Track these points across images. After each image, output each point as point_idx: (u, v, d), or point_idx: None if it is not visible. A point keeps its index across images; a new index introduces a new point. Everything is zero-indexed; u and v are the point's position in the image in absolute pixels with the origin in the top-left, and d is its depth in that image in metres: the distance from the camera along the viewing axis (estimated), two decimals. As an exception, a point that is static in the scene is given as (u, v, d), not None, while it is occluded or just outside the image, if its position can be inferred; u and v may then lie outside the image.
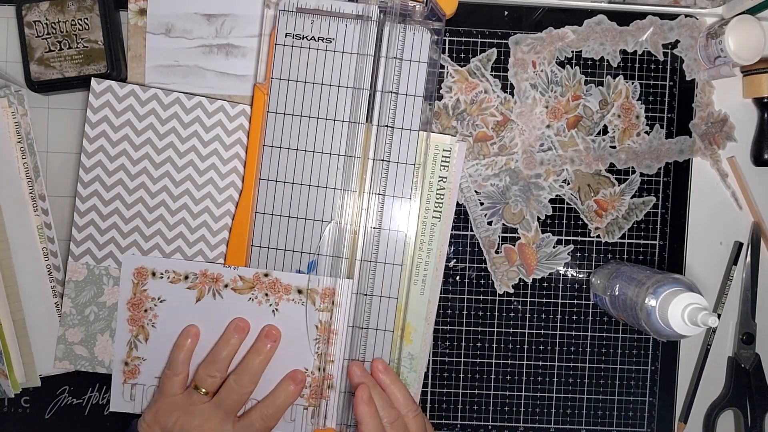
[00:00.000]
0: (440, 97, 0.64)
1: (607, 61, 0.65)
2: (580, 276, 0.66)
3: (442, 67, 0.64)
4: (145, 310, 0.61)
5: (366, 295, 0.61)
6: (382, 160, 0.61)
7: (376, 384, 0.59)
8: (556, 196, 0.65)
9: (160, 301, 0.61)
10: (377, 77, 0.61)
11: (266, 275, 0.60)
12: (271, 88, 0.61)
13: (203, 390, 0.58)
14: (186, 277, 0.61)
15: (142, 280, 0.61)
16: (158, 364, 0.61)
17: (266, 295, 0.60)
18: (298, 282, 0.60)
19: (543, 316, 0.66)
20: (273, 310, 0.60)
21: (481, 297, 0.65)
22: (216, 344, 0.60)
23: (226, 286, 0.60)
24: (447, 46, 0.64)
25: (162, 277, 0.61)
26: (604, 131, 0.65)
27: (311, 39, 0.61)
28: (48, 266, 0.62)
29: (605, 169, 0.65)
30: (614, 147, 0.65)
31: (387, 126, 0.60)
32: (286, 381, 0.60)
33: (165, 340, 0.61)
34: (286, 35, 0.61)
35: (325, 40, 0.61)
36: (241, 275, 0.60)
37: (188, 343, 0.60)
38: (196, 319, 0.61)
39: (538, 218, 0.65)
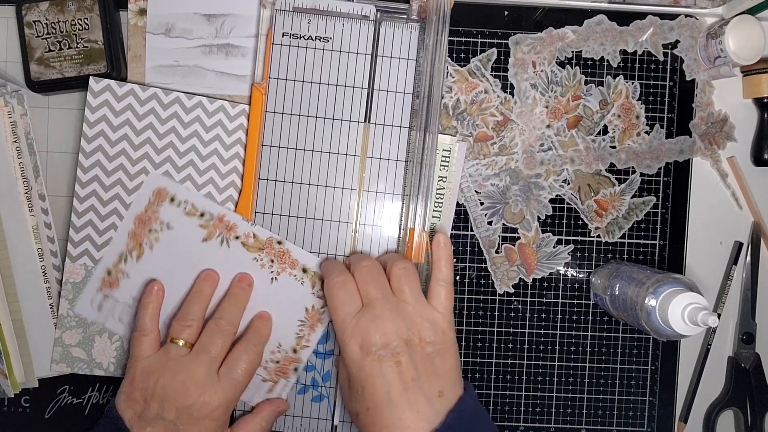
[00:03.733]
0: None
1: (607, 61, 0.65)
2: (580, 276, 0.66)
3: (442, 67, 0.64)
4: (150, 230, 0.60)
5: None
6: (380, 158, 0.61)
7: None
8: (556, 196, 0.65)
9: (168, 228, 0.60)
10: (374, 76, 0.61)
11: (279, 243, 0.60)
12: (268, 88, 0.61)
13: (181, 341, 0.55)
14: (202, 215, 0.60)
15: (159, 201, 0.60)
16: (138, 287, 0.60)
17: (272, 261, 0.60)
18: (306, 261, 0.60)
19: (543, 316, 0.66)
20: (272, 278, 0.60)
21: (481, 297, 0.65)
22: (187, 296, 0.58)
23: (237, 237, 0.60)
24: (447, 46, 0.64)
25: (179, 206, 0.60)
26: (604, 131, 0.65)
27: (308, 38, 0.61)
28: (43, 266, 0.62)
29: (605, 169, 0.65)
30: (614, 147, 0.65)
31: (384, 124, 0.61)
32: (257, 320, 0.59)
33: (155, 267, 0.60)
34: (282, 35, 0.61)
35: (322, 40, 0.61)
36: (255, 233, 0.60)
37: (153, 300, 0.58)
38: (193, 259, 0.60)
39: (538, 218, 0.65)
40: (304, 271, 0.60)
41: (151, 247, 0.60)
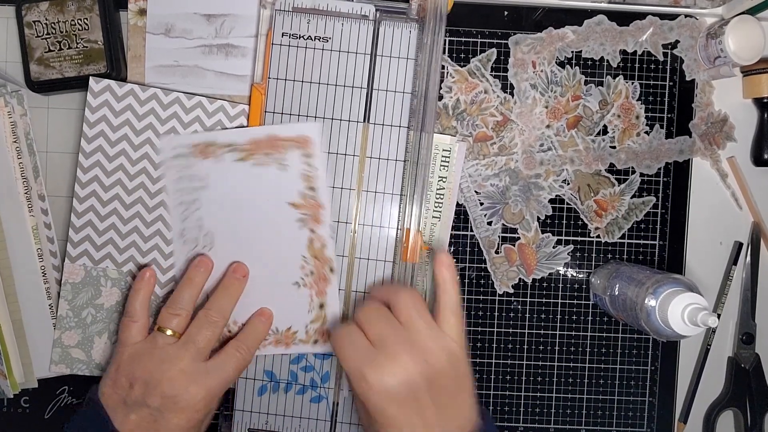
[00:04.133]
0: (440, 97, 0.64)
1: (607, 61, 0.65)
2: (580, 276, 0.66)
3: (442, 66, 0.64)
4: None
5: (364, 293, 0.61)
6: (380, 158, 0.61)
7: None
8: (556, 196, 0.65)
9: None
10: (374, 76, 0.61)
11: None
12: (268, 88, 0.61)
13: (169, 330, 0.54)
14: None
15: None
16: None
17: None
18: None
19: (543, 316, 0.66)
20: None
21: (481, 297, 0.65)
22: (178, 284, 0.58)
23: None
24: (447, 46, 0.64)
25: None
26: (604, 131, 0.65)
27: (308, 38, 0.61)
28: (42, 267, 0.62)
29: (605, 169, 0.65)
30: (614, 147, 0.65)
31: (384, 124, 0.60)
32: (255, 318, 0.59)
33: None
34: (282, 35, 0.61)
35: (321, 39, 0.61)
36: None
37: (145, 286, 0.57)
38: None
39: (538, 218, 0.65)
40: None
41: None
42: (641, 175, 0.65)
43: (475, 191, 0.65)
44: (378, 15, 0.60)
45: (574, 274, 0.66)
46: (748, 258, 0.66)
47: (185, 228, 0.60)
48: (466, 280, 0.65)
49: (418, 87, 0.59)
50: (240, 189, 0.59)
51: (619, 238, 0.66)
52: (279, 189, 0.59)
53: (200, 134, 0.60)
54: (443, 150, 0.62)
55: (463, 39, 0.64)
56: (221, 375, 0.54)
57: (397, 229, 0.61)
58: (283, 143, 0.59)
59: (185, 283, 0.57)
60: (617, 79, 0.65)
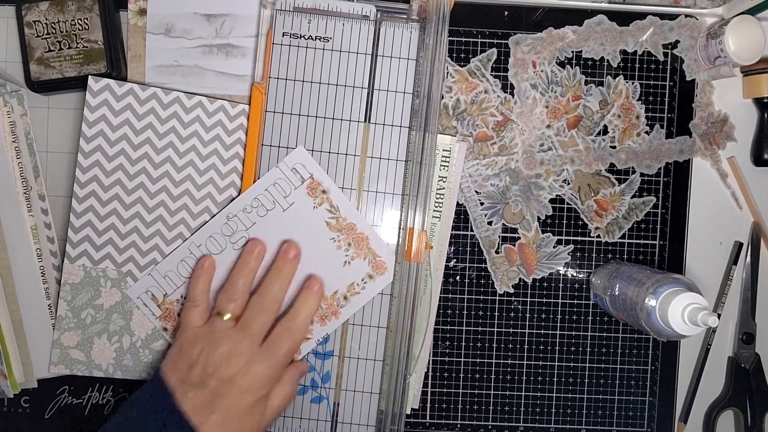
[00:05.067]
0: (440, 97, 0.64)
1: (607, 61, 0.65)
2: (580, 276, 0.66)
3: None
4: (178, 314, 0.61)
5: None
6: (380, 158, 0.61)
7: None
8: (556, 196, 0.65)
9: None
10: (375, 76, 0.61)
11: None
12: (268, 88, 0.61)
13: (226, 315, 0.57)
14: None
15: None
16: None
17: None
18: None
19: (543, 316, 0.66)
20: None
21: (481, 297, 0.65)
22: (233, 270, 0.59)
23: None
24: (447, 46, 0.64)
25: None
26: (604, 131, 0.65)
27: (308, 38, 0.61)
28: (42, 267, 0.61)
29: (605, 169, 0.65)
30: (614, 147, 0.65)
31: (384, 124, 0.60)
32: (305, 292, 0.59)
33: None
34: (283, 35, 0.61)
35: (322, 39, 0.61)
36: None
37: (205, 273, 0.59)
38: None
39: (538, 218, 0.65)
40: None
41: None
42: (641, 175, 0.65)
43: (476, 191, 0.65)
44: (379, 15, 0.60)
45: (575, 274, 0.66)
46: (748, 258, 0.66)
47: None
48: (467, 280, 0.65)
49: (421, 87, 0.59)
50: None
51: (620, 238, 0.66)
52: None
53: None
54: (443, 150, 0.62)
55: (463, 39, 0.64)
56: (273, 358, 0.56)
57: (399, 228, 0.61)
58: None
59: (239, 268, 0.59)
60: (617, 79, 0.65)
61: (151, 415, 0.53)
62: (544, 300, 0.66)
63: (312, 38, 0.61)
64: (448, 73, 0.64)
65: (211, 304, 0.59)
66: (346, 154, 0.61)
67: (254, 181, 0.61)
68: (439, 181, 0.62)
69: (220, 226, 0.60)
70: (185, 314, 0.58)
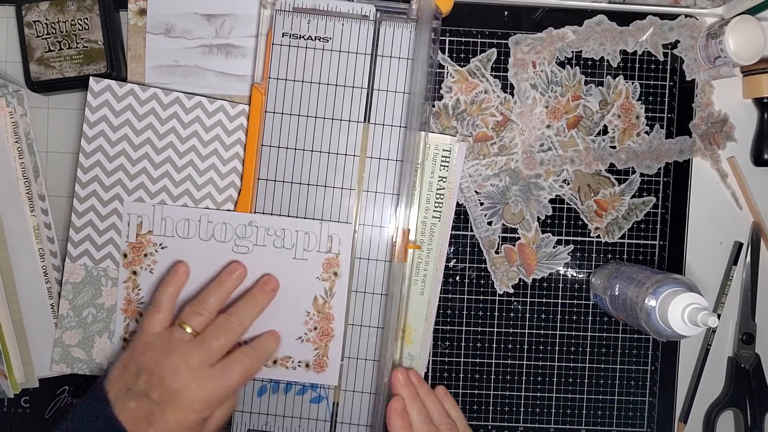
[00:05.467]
0: (440, 97, 0.64)
1: (607, 61, 0.65)
2: (580, 276, 0.66)
3: (442, 66, 0.64)
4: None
5: (364, 292, 0.61)
6: (380, 158, 0.61)
7: (417, 396, 0.57)
8: (556, 196, 0.65)
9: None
10: (374, 76, 0.61)
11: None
12: (268, 88, 0.61)
13: (188, 328, 0.54)
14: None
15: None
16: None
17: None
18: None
19: (543, 316, 0.66)
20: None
21: (481, 297, 0.65)
22: (208, 285, 0.58)
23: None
24: (447, 46, 0.64)
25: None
26: (604, 131, 0.65)
27: (308, 38, 0.61)
28: (44, 267, 0.62)
29: (605, 169, 0.65)
30: (614, 147, 0.65)
31: (384, 124, 0.60)
32: (267, 335, 0.59)
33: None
34: (282, 35, 0.61)
35: (322, 40, 0.61)
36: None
37: (176, 280, 0.58)
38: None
39: (538, 218, 0.65)
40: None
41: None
42: (641, 175, 0.65)
43: (475, 191, 0.65)
44: (378, 15, 0.60)
45: (574, 274, 0.66)
46: (748, 258, 0.66)
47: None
48: (467, 280, 0.65)
49: (405, 86, 0.59)
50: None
51: (619, 238, 0.66)
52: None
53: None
54: (443, 150, 0.62)
55: (463, 39, 0.64)
56: (224, 380, 0.53)
57: (396, 229, 0.61)
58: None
59: (215, 286, 0.57)
60: (617, 79, 0.65)
61: (91, 423, 0.51)
62: (544, 300, 0.66)
63: (312, 38, 0.61)
64: (448, 73, 0.64)
65: (174, 313, 0.57)
66: (346, 155, 0.61)
67: (253, 181, 0.61)
68: (439, 181, 0.62)
69: (237, 224, 0.60)
70: (146, 318, 0.56)
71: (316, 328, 0.60)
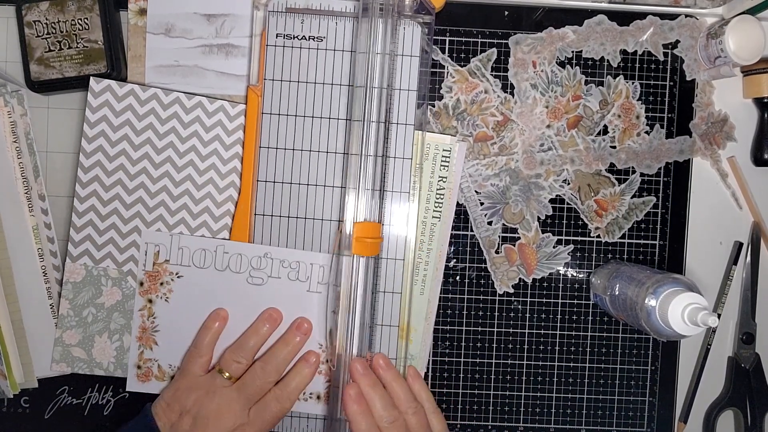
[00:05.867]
0: (440, 97, 0.64)
1: (607, 61, 0.65)
2: (580, 276, 0.66)
3: (441, 66, 0.64)
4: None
5: (372, 293, 0.61)
6: (379, 156, 0.61)
7: (377, 382, 0.57)
8: (556, 196, 0.65)
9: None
10: (370, 73, 0.60)
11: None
12: (264, 90, 0.61)
13: (227, 374, 0.58)
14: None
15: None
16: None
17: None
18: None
19: (543, 316, 0.66)
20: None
21: (481, 297, 0.65)
22: (246, 331, 0.60)
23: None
24: (447, 46, 0.64)
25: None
26: (604, 131, 0.65)
27: (302, 38, 0.60)
28: (43, 267, 0.62)
29: (605, 169, 0.65)
30: (614, 147, 0.65)
31: (382, 122, 0.60)
32: (301, 363, 0.59)
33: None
34: (276, 36, 0.60)
35: (316, 39, 0.60)
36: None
37: (216, 326, 0.60)
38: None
39: (538, 218, 0.65)
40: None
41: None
42: (641, 175, 0.65)
43: (476, 191, 0.65)
44: (371, 12, 0.60)
45: (575, 274, 0.66)
46: (748, 258, 0.66)
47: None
48: (467, 280, 0.65)
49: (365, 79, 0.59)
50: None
51: (619, 238, 0.66)
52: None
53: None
54: (443, 150, 0.62)
55: (463, 39, 0.64)
56: (260, 423, 0.57)
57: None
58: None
59: (252, 333, 0.60)
60: (617, 79, 0.65)
61: None
62: (544, 300, 0.66)
63: (306, 38, 0.60)
64: (448, 73, 0.64)
65: (213, 356, 0.60)
66: (344, 154, 0.61)
67: (253, 183, 0.61)
68: (439, 181, 0.62)
69: (252, 255, 0.60)
70: (188, 361, 0.59)
71: (328, 360, 0.60)
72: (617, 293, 0.59)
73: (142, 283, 0.61)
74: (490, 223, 0.65)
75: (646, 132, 0.65)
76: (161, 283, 0.61)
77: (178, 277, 0.61)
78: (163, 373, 0.61)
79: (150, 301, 0.61)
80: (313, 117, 0.61)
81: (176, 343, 0.61)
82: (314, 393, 0.61)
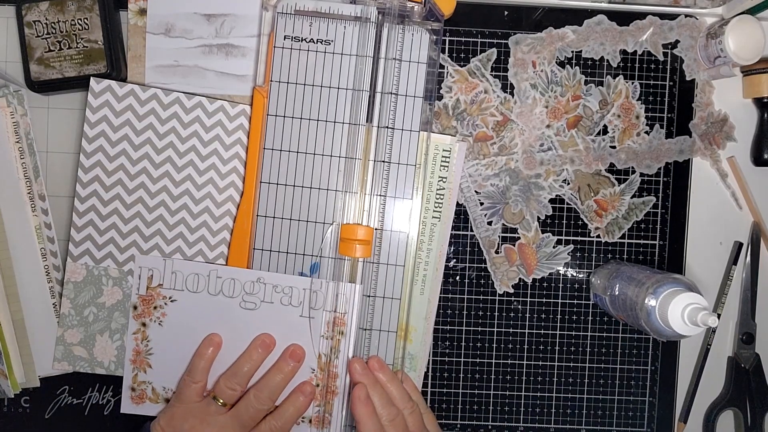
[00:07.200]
0: (440, 97, 0.64)
1: (607, 61, 0.65)
2: (580, 276, 0.66)
3: (442, 67, 0.64)
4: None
5: (369, 296, 0.61)
6: (383, 161, 0.61)
7: (377, 382, 0.58)
8: (556, 196, 0.65)
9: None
10: (377, 78, 0.60)
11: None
12: (270, 91, 0.61)
13: (221, 401, 0.58)
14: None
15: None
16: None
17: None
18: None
19: (543, 316, 0.66)
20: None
21: (481, 297, 0.65)
22: (239, 358, 0.60)
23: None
24: (447, 46, 0.64)
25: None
26: (604, 131, 0.65)
27: (310, 41, 0.60)
28: (46, 266, 0.62)
29: (605, 169, 0.65)
30: (614, 147, 0.65)
31: (387, 127, 0.60)
32: (296, 393, 0.59)
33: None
34: (284, 38, 0.60)
35: (323, 42, 0.60)
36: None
37: (210, 352, 0.60)
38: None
39: (538, 218, 0.65)
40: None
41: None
42: (641, 175, 0.65)
43: (475, 191, 0.65)
44: (380, 17, 0.60)
45: (574, 274, 0.66)
46: (748, 258, 0.66)
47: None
48: (467, 280, 0.65)
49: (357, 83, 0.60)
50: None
51: (619, 238, 0.66)
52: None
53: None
54: (443, 150, 0.62)
55: (463, 39, 0.64)
56: None
57: (409, 231, 0.61)
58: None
59: (245, 359, 0.60)
60: (617, 79, 0.65)
61: None
62: (544, 300, 0.66)
63: (313, 41, 0.60)
64: (448, 73, 0.64)
65: (208, 381, 0.60)
66: (348, 158, 0.61)
67: (256, 184, 0.61)
68: (439, 181, 0.62)
69: (245, 280, 0.60)
70: (184, 387, 0.59)
71: (319, 385, 0.60)
72: (617, 293, 0.59)
73: (135, 307, 0.61)
74: (490, 223, 0.65)
75: (646, 132, 0.65)
76: (155, 307, 0.61)
77: (171, 301, 0.61)
78: (157, 395, 0.61)
79: (144, 324, 0.61)
80: (318, 120, 0.61)
81: (170, 365, 0.61)
82: (306, 417, 0.61)
